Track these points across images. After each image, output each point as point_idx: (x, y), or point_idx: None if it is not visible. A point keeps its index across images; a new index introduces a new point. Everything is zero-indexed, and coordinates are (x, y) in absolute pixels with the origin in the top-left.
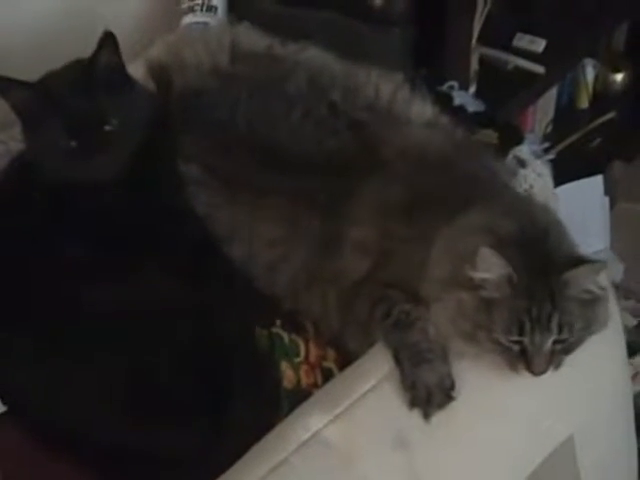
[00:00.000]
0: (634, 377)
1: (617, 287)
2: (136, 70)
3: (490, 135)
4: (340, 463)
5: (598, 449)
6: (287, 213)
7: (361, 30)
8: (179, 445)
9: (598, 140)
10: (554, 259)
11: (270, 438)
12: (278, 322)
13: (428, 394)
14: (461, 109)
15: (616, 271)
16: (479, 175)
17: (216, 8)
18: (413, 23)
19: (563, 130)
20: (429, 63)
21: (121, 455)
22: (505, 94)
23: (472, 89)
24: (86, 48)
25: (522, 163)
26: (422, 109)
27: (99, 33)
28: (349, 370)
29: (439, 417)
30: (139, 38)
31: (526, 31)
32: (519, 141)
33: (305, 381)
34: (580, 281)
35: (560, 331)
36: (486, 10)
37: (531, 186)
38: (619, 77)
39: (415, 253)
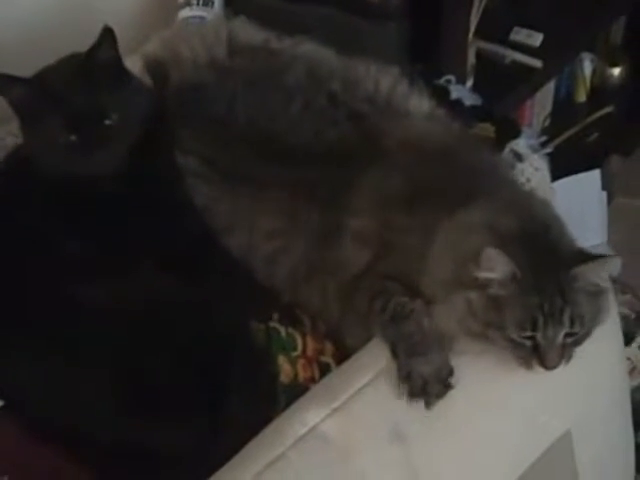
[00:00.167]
0: (631, 372)
1: (614, 281)
2: (132, 65)
3: (487, 129)
4: (337, 457)
5: (595, 444)
6: (287, 205)
7: (358, 24)
8: (176, 441)
9: (596, 134)
10: (559, 254)
11: (267, 433)
12: (275, 316)
13: (424, 384)
14: (458, 103)
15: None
16: (479, 167)
17: (213, 2)
18: (410, 17)
19: (561, 124)
20: (426, 57)
21: (119, 451)
22: (502, 88)
23: (469, 83)
24: (82, 42)
25: (519, 157)
26: (420, 103)
27: (95, 27)
28: (346, 364)
29: (436, 411)
30: (135, 32)
31: (523, 25)
32: (516, 135)
33: (302, 375)
34: (588, 275)
35: (572, 324)
36: (483, 4)
37: (528, 180)
38: (617, 71)
39: (415, 244)
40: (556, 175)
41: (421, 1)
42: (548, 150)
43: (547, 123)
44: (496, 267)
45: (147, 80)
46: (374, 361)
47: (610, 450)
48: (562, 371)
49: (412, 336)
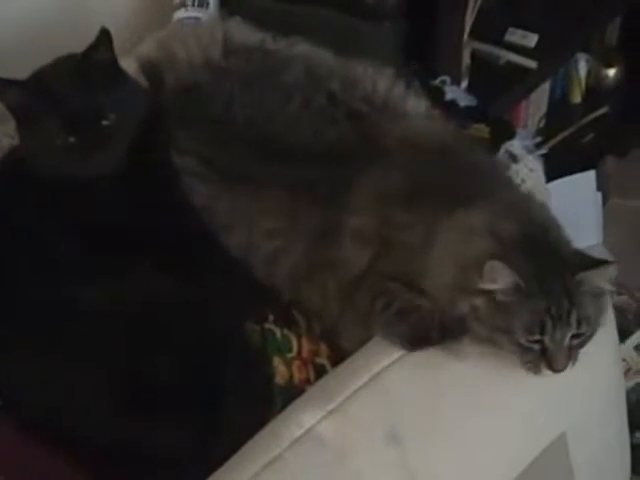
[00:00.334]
0: (626, 373)
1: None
2: (127, 67)
3: (482, 130)
4: (333, 459)
5: (591, 446)
6: (286, 204)
7: (353, 25)
8: (173, 442)
9: (591, 135)
10: (561, 256)
11: (263, 434)
12: (270, 318)
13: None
14: (453, 104)
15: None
16: (478, 166)
17: (208, 3)
18: (405, 17)
19: (556, 125)
20: (421, 58)
21: (115, 452)
22: (497, 89)
23: (464, 84)
24: (77, 43)
25: (514, 158)
26: (417, 104)
27: (90, 28)
28: (342, 366)
29: (432, 412)
30: (131, 34)
31: (518, 26)
32: (511, 136)
33: (298, 377)
34: (593, 280)
35: (579, 325)
36: (478, 5)
37: (523, 181)
38: (612, 72)
39: (415, 242)
40: (551, 176)
41: (416, 2)
42: (543, 151)
43: (542, 124)
44: (499, 279)
45: (142, 81)
46: (370, 363)
47: (606, 451)
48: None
49: (419, 328)
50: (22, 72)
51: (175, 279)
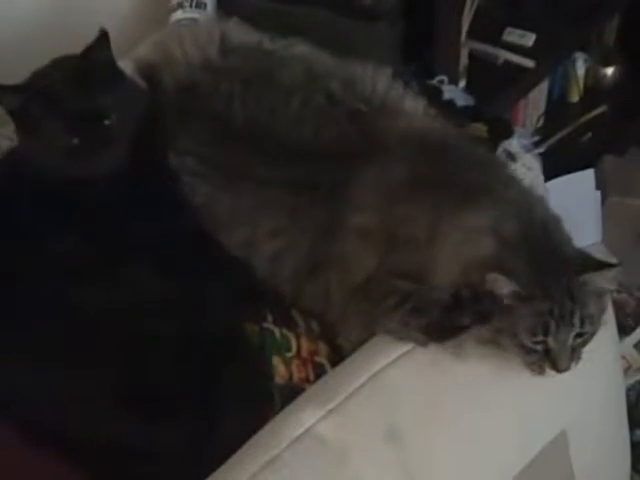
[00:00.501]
0: (626, 370)
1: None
2: (124, 69)
3: (480, 129)
4: (333, 458)
5: (591, 443)
6: (288, 202)
7: (350, 25)
8: (171, 443)
9: (589, 134)
10: (563, 256)
11: (263, 434)
12: (269, 317)
13: None
14: (450, 103)
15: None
16: (480, 160)
17: (205, 4)
18: (402, 17)
19: (554, 124)
20: (418, 58)
21: (113, 453)
22: (495, 88)
23: (462, 84)
24: (75, 44)
25: (512, 157)
26: (415, 104)
27: (88, 29)
28: (342, 365)
29: (432, 411)
30: (128, 35)
31: (516, 25)
32: (509, 135)
33: (297, 376)
34: (597, 281)
35: (582, 324)
36: (475, 4)
37: (521, 179)
38: (610, 71)
39: (419, 237)
40: (550, 175)
41: (414, 2)
42: (541, 150)
43: (541, 123)
44: (499, 289)
45: (139, 83)
46: (370, 362)
47: (606, 448)
48: None
49: (437, 321)
50: (19, 72)
51: (174, 279)
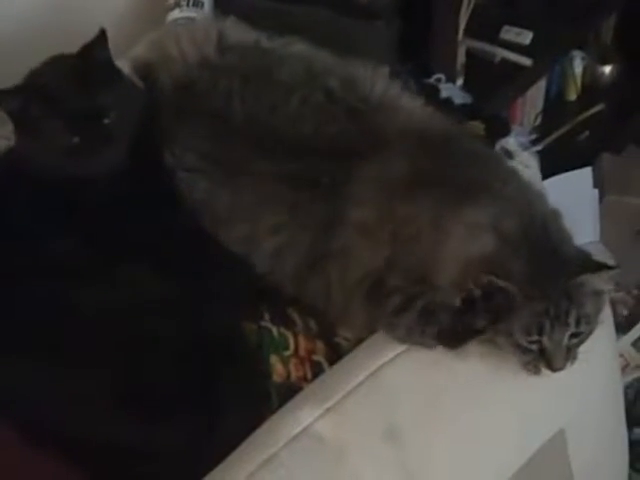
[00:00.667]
0: (624, 368)
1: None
2: (121, 68)
3: (477, 127)
4: (331, 457)
5: (589, 442)
6: (289, 198)
7: (347, 24)
8: (170, 442)
9: (587, 132)
10: (563, 257)
11: (261, 432)
12: (267, 316)
13: None
14: (448, 101)
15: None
16: (480, 154)
17: (202, 3)
18: (399, 16)
19: (552, 122)
20: (416, 56)
21: (112, 452)
22: (492, 86)
23: (460, 82)
24: (71, 43)
25: (509, 155)
26: (413, 101)
27: (84, 28)
28: (340, 364)
29: (431, 410)
30: (125, 34)
31: (513, 23)
32: (506, 133)
33: (295, 375)
34: (595, 282)
35: (578, 324)
36: (472, 2)
37: None
38: (607, 69)
39: (420, 233)
40: (547, 173)
41: (411, 0)
42: (538, 148)
43: (538, 121)
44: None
45: (136, 82)
46: (368, 360)
47: (604, 447)
48: None
49: (448, 327)
50: (15, 70)
51: (173, 279)
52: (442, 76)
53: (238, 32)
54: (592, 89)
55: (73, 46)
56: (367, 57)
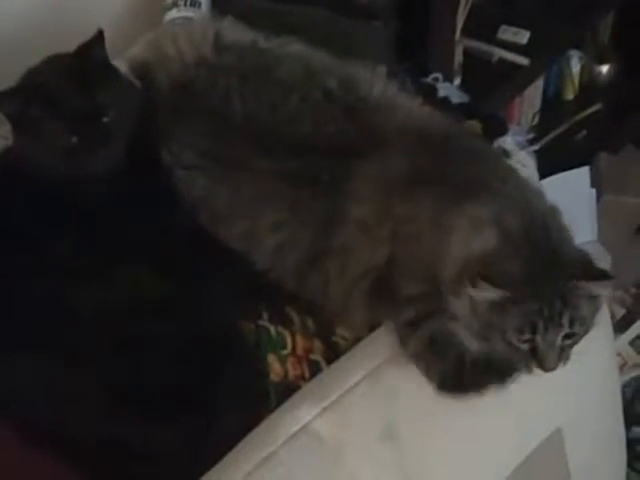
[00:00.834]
0: (622, 367)
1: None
2: (118, 67)
3: (474, 126)
4: (329, 455)
5: (587, 441)
6: (289, 196)
7: (345, 23)
8: (167, 441)
9: (584, 132)
10: (563, 259)
11: (258, 431)
12: (265, 315)
13: None
14: (445, 101)
15: (603, 263)
16: (479, 152)
17: (200, 3)
18: (397, 16)
19: (550, 122)
20: (413, 55)
21: (111, 452)
22: (490, 86)
23: (457, 81)
24: (68, 42)
25: (506, 154)
26: (411, 101)
27: (81, 28)
28: (338, 363)
29: (428, 409)
30: (122, 34)
31: (510, 23)
32: (503, 132)
33: (292, 373)
34: (592, 288)
35: (571, 325)
36: (470, 2)
37: None
38: (605, 69)
39: (421, 233)
40: (545, 172)
41: (408, 0)
42: (536, 147)
43: (536, 121)
44: (490, 295)
45: (133, 81)
46: (366, 360)
47: (601, 446)
48: None
49: (453, 367)
50: (12, 69)
51: (172, 278)
52: (439, 75)
53: (235, 32)
54: (589, 88)
55: (70, 46)
56: (365, 57)
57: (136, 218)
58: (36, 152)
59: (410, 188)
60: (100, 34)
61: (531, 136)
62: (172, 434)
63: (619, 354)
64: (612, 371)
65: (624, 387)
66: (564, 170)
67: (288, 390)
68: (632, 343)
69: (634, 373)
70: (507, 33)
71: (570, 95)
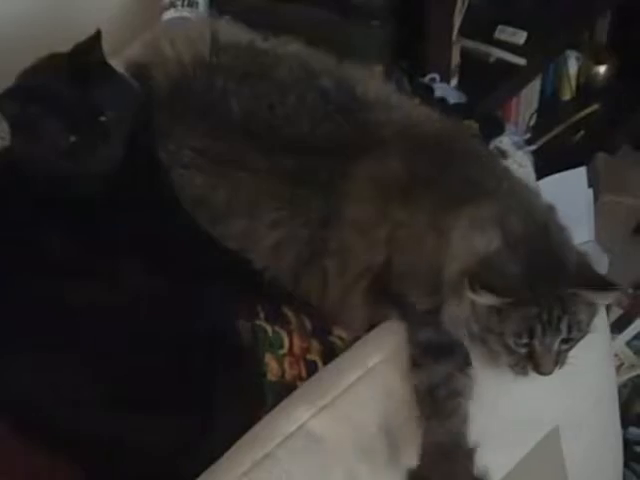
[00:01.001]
0: (619, 368)
1: None
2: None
3: (471, 126)
4: (326, 455)
5: (584, 440)
6: (287, 194)
7: (342, 24)
8: (164, 440)
9: (581, 132)
10: (564, 265)
11: (255, 431)
12: (261, 314)
13: None
14: (442, 101)
15: (601, 263)
16: (476, 152)
17: (197, 3)
18: (394, 16)
19: (547, 122)
20: (410, 56)
21: (107, 450)
22: (487, 86)
23: (454, 81)
24: (65, 42)
25: (503, 154)
26: (408, 101)
27: (78, 28)
28: (335, 362)
29: None
30: (120, 34)
31: (507, 23)
32: (500, 132)
33: (289, 373)
34: (590, 297)
35: (569, 330)
36: (467, 2)
37: None
38: (602, 69)
39: (419, 237)
40: (542, 173)
41: (405, 0)
42: (533, 148)
43: (533, 121)
44: (488, 300)
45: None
46: (363, 359)
47: (598, 446)
48: None
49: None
50: (9, 69)
51: (167, 277)
52: (436, 76)
53: (233, 32)
54: (587, 89)
55: (68, 45)
56: (362, 57)
57: (134, 217)
58: (34, 151)
59: (407, 191)
60: (97, 34)
61: (528, 136)
62: (168, 433)
63: (616, 355)
64: (609, 371)
65: (621, 388)
66: (561, 170)
67: (285, 390)
68: (629, 344)
69: (631, 374)
70: (504, 33)
71: (567, 95)
